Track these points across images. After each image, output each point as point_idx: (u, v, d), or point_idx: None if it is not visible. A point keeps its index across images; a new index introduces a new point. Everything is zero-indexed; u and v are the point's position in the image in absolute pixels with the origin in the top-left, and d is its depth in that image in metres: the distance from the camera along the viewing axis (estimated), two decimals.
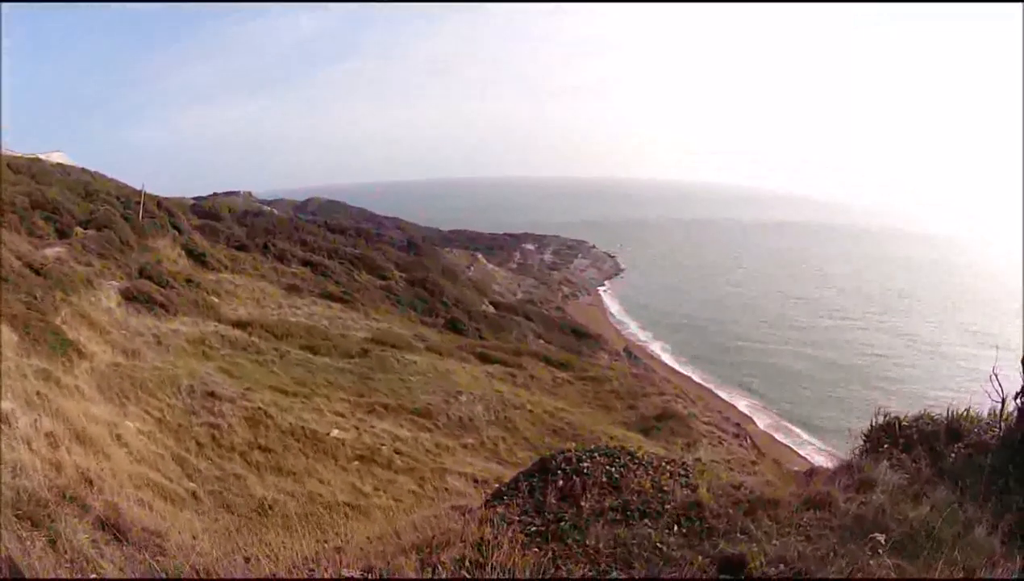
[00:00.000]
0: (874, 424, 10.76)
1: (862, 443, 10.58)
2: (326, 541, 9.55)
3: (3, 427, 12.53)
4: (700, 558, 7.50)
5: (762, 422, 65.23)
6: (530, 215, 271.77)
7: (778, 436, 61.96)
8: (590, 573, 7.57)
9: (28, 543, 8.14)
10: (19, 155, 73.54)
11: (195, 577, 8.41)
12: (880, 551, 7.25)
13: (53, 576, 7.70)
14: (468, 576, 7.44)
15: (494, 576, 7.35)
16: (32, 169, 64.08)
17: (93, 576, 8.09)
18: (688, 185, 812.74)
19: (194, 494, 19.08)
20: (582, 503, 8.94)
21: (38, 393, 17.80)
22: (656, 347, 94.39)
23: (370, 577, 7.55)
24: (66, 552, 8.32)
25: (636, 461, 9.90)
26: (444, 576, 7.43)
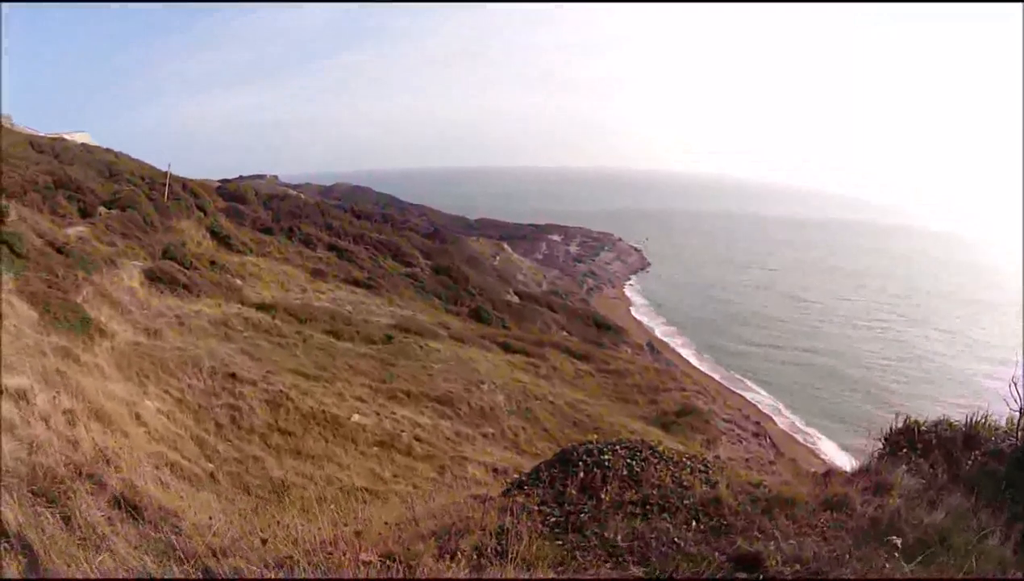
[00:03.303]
0: (893, 427, 10.73)
1: (881, 446, 10.54)
2: (344, 525, 9.51)
3: (21, 403, 12.55)
4: (717, 555, 7.48)
5: (781, 422, 65.10)
6: (548, 204, 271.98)
7: (797, 436, 61.82)
8: (607, 564, 7.55)
9: (43, 519, 8.12)
10: (42, 135, 73.82)
11: (211, 557, 8.40)
12: (896, 554, 7.22)
13: (65, 553, 7.66)
14: (487, 564, 7.42)
15: (512, 565, 7.33)
16: (55, 148, 64.34)
17: (107, 555, 8.06)
18: (692, 178, 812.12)
19: (212, 475, 19.14)
20: (602, 495, 8.90)
21: (57, 370, 17.84)
22: (678, 342, 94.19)
23: (388, 562, 7.52)
24: (80, 529, 8.30)
25: (657, 456, 9.87)
26: (462, 563, 7.40)
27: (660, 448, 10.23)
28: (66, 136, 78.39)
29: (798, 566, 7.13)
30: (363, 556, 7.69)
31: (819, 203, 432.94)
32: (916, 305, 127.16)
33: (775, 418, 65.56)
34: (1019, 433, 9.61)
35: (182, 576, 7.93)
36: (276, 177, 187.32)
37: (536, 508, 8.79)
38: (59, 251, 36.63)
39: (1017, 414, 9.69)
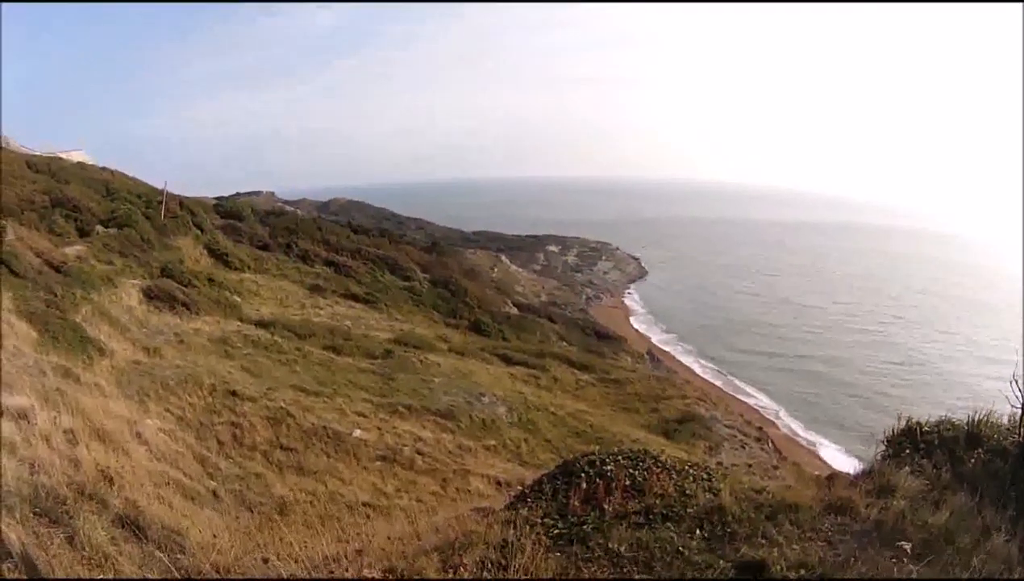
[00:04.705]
0: (896, 429, 10.74)
1: (883, 448, 10.54)
2: (347, 541, 9.51)
3: (22, 423, 12.55)
4: (722, 562, 7.52)
5: (783, 427, 65.16)
6: (548, 213, 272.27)
7: (799, 441, 61.89)
8: (612, 576, 7.54)
9: (45, 540, 8.13)
10: (39, 154, 73.86)
11: (215, 576, 8.39)
12: (904, 559, 7.23)
13: (69, 573, 7.68)
14: (490, 578, 7.41)
15: (517, 578, 7.32)
16: (52, 167, 64.34)
17: (111, 575, 8.08)
18: (697, 184, 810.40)
19: (215, 492, 19.10)
20: (605, 506, 8.92)
21: (57, 390, 17.85)
22: (678, 350, 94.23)
23: (391, 578, 7.52)
24: (84, 549, 8.31)
25: (659, 464, 9.88)
26: (466, 578, 7.40)
27: (662, 457, 10.26)
28: (62, 155, 78.26)
29: (803, 571, 7.17)
30: (366, 572, 7.72)
31: (818, 206, 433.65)
32: (915, 307, 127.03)
33: (777, 423, 65.61)
34: (1021, 430, 9.61)
35: None
36: (273, 193, 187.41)
37: (539, 520, 8.80)
38: (57, 270, 36.70)
39: (1019, 411, 9.69)
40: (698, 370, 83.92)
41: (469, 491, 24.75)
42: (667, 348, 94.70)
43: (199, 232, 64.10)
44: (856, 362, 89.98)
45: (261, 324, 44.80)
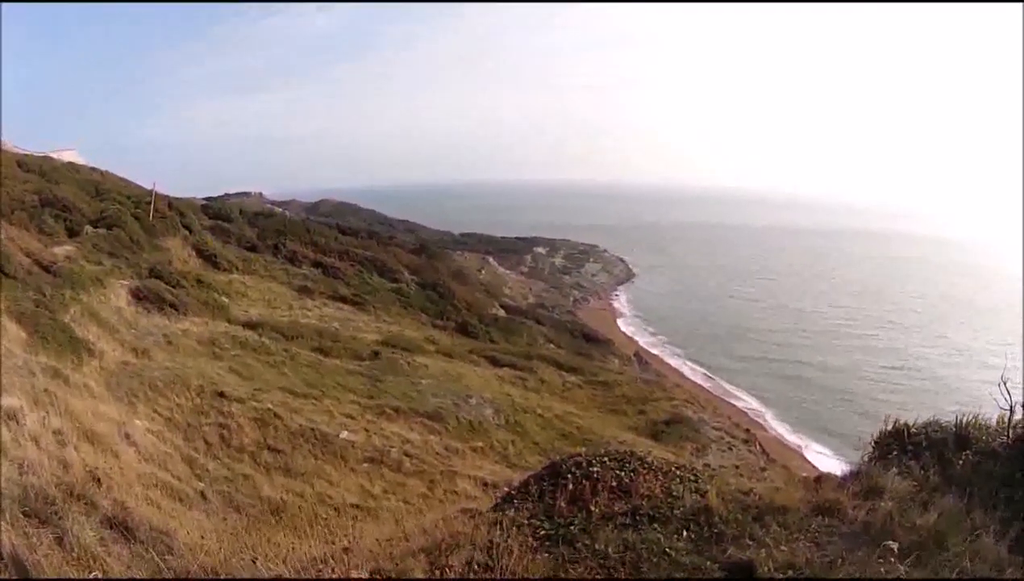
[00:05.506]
0: (883, 431, 10.75)
1: (871, 450, 10.56)
2: (334, 542, 9.51)
3: (11, 424, 12.53)
4: (709, 563, 7.54)
5: (771, 429, 65.08)
6: (544, 217, 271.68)
7: (787, 442, 61.81)
8: (599, 577, 7.56)
9: (34, 540, 8.12)
10: (30, 153, 73.58)
11: (203, 576, 8.39)
12: (892, 559, 7.24)
13: (59, 574, 7.67)
14: (477, 579, 7.42)
15: (503, 579, 7.34)
16: (43, 167, 64.13)
17: (99, 574, 8.07)
18: (698, 188, 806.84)
19: (202, 494, 19.05)
20: (592, 507, 8.92)
21: (46, 390, 17.81)
22: (666, 352, 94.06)
23: (379, 579, 7.53)
24: (73, 550, 8.31)
25: (646, 466, 9.87)
26: (453, 579, 7.41)
27: (649, 458, 10.25)
28: (53, 155, 77.93)
29: (791, 572, 7.19)
30: (353, 573, 7.72)
31: (818, 210, 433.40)
32: (915, 311, 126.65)
33: (765, 426, 65.50)
34: (1010, 431, 9.65)
35: None
36: (261, 194, 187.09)
37: (526, 522, 8.80)
38: (47, 270, 36.60)
39: (1008, 412, 9.73)
40: (686, 373, 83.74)
41: (456, 493, 24.73)
42: (655, 351, 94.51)
43: (187, 233, 63.86)
44: (854, 368, 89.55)
45: (249, 325, 44.67)
